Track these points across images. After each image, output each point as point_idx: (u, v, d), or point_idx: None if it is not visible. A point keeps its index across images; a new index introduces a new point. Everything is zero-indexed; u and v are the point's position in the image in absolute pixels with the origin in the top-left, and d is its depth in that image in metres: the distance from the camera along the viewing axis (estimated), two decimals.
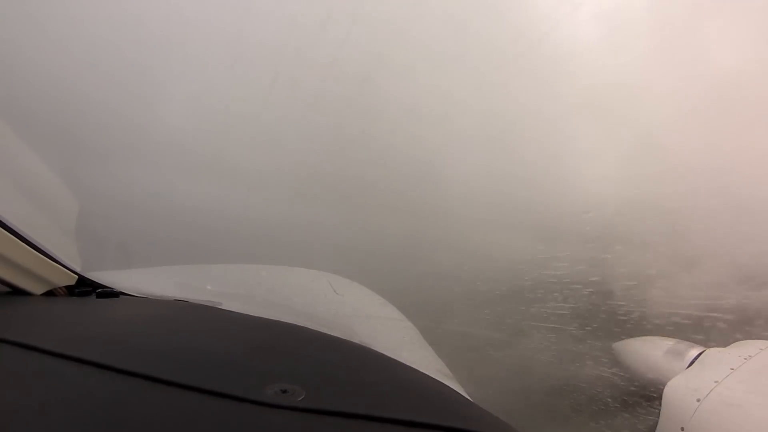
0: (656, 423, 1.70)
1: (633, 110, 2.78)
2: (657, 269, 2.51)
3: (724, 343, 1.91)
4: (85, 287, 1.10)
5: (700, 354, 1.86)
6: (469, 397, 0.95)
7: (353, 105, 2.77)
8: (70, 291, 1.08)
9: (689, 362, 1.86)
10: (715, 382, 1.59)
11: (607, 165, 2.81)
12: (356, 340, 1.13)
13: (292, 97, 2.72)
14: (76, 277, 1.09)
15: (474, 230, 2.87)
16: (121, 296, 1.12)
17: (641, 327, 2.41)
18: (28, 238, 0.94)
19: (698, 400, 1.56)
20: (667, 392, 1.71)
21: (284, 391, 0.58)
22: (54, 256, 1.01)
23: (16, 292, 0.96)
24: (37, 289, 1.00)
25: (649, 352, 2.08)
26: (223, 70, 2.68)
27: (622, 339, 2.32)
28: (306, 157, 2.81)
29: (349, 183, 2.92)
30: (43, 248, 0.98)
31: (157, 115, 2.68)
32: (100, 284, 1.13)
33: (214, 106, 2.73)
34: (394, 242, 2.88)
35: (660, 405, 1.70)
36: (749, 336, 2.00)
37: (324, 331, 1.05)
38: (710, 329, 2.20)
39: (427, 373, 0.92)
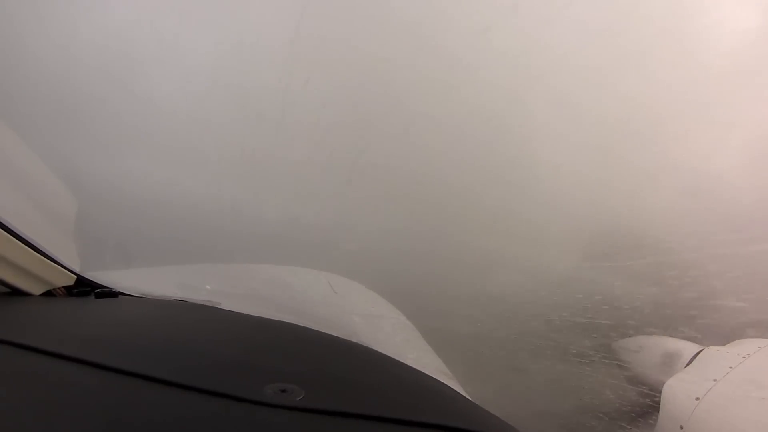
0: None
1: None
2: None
3: None
4: (83, 287, 1.10)
5: (699, 353, 1.86)
6: (469, 397, 0.95)
7: (393, 79, 2.12)
8: (69, 291, 1.08)
9: (688, 361, 1.86)
10: (714, 380, 1.59)
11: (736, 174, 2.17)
12: (356, 340, 1.13)
13: (300, 87, 2.26)
14: (75, 277, 1.08)
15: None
16: (120, 296, 1.11)
17: None
18: (26, 239, 0.94)
19: (697, 399, 1.56)
20: (666, 391, 1.71)
21: (283, 391, 0.58)
22: (53, 257, 1.01)
23: (15, 292, 0.96)
24: (36, 289, 1.00)
25: (648, 351, 2.08)
26: (226, 58, 2.35)
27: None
28: (319, 150, 2.38)
29: (384, 177, 2.40)
30: (41, 248, 0.97)
31: (155, 108, 2.55)
32: (99, 284, 1.13)
33: (216, 97, 2.49)
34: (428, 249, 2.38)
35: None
36: None
37: (324, 331, 1.05)
38: None
39: (427, 373, 0.92)
